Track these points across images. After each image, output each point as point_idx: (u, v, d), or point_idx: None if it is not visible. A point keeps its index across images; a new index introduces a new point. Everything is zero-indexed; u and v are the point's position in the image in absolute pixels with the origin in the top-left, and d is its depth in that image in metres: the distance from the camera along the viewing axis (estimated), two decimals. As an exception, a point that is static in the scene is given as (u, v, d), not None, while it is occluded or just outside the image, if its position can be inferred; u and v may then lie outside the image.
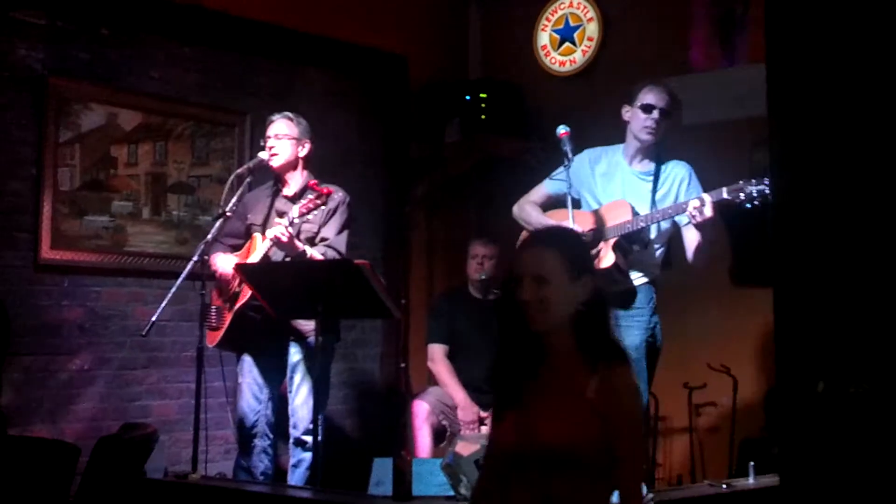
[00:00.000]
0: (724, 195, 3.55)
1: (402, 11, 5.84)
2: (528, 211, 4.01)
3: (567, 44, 5.82)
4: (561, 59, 5.84)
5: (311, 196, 3.89)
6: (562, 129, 3.72)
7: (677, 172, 3.84)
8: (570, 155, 3.67)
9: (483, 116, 5.74)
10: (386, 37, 5.72)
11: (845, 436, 1.55)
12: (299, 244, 3.93)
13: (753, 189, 3.50)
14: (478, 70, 6.20)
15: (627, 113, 3.85)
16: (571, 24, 5.82)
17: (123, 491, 3.83)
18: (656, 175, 3.83)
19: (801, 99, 1.63)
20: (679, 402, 5.01)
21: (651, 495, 3.10)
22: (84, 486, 3.94)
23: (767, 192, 3.47)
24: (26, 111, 4.48)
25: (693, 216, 3.58)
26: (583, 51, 5.75)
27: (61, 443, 4.13)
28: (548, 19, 5.90)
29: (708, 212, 3.55)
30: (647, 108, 3.79)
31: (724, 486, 3.60)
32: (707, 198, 3.57)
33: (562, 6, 5.86)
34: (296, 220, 3.89)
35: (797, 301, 1.63)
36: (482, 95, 5.75)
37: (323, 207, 3.95)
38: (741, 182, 3.53)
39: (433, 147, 5.86)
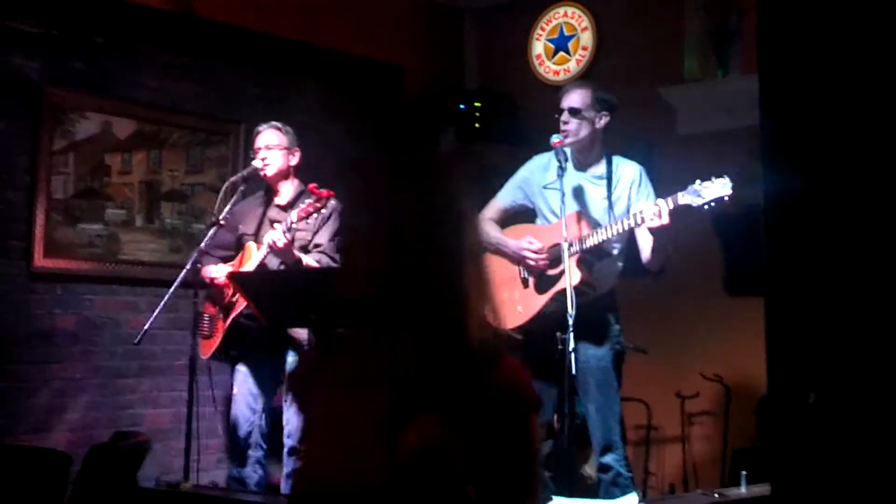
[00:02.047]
0: (680, 201, 3.48)
1: (397, 22, 5.85)
2: (486, 230, 3.94)
3: (561, 53, 5.84)
4: (555, 69, 5.85)
5: (309, 200, 3.83)
6: (555, 139, 3.69)
7: (628, 174, 3.76)
8: (563, 164, 3.65)
9: (477, 125, 5.75)
10: (382, 47, 5.73)
11: (837, 446, 1.55)
12: (295, 251, 3.92)
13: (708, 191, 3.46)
14: (473, 79, 6.21)
15: None
16: (566, 33, 5.83)
17: (115, 499, 3.82)
18: (609, 178, 3.76)
19: (793, 109, 1.63)
20: (672, 412, 5.01)
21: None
22: (76, 495, 3.94)
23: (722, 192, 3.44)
24: (21, 120, 4.48)
25: (651, 220, 3.50)
26: (577, 60, 5.77)
27: (53, 451, 4.12)
28: (542, 28, 5.92)
29: (665, 219, 3.47)
30: (558, 113, 3.77)
31: (717, 495, 3.60)
32: (663, 204, 3.49)
33: (556, 16, 5.88)
34: (294, 225, 3.87)
35: (789, 311, 1.64)
36: (476, 104, 5.76)
37: (321, 212, 3.92)
38: (694, 185, 3.48)
39: (428, 156, 5.86)
